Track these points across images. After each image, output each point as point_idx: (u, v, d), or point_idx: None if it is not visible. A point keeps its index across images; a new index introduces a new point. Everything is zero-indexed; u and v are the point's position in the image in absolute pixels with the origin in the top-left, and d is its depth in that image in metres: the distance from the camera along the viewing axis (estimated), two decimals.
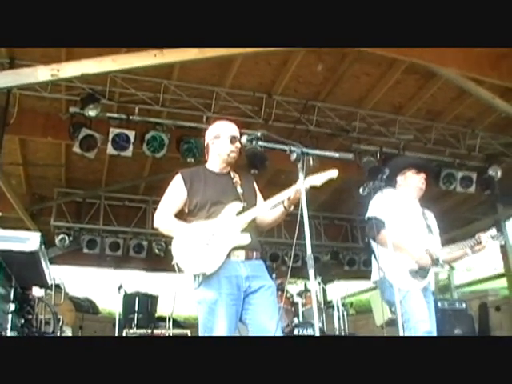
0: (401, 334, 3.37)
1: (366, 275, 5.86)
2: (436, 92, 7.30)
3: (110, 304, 12.49)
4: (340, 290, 8.89)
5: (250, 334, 3.10)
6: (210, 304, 3.04)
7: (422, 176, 4.27)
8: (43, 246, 3.45)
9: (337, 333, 7.56)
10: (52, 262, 4.15)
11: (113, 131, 6.80)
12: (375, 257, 4.05)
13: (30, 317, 4.03)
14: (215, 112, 6.96)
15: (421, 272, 3.93)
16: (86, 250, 9.88)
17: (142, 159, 8.08)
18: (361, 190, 4.03)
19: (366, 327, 9.98)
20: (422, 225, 4.18)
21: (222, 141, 3.40)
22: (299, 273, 8.59)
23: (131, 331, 8.01)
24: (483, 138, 8.16)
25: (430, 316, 3.84)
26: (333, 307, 7.87)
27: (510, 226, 10.27)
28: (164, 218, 3.29)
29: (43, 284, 4.23)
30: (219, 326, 2.99)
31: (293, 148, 3.01)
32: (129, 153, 6.92)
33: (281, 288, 6.60)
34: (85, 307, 10.96)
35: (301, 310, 7.05)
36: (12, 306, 3.51)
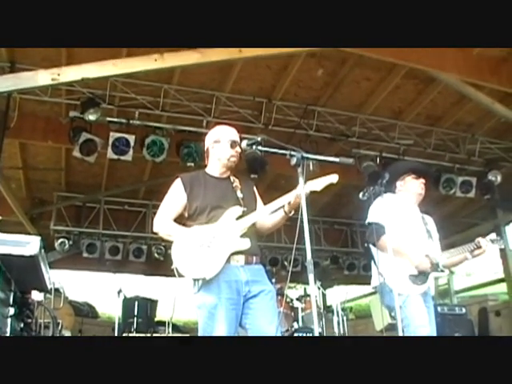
0: None
1: (366, 280, 5.87)
2: (436, 97, 7.31)
3: (110, 308, 12.48)
4: (340, 294, 8.89)
5: None
6: (210, 308, 3.04)
7: (422, 181, 4.27)
8: (43, 250, 3.44)
9: None
10: (51, 266, 4.14)
11: (113, 135, 6.80)
12: (375, 262, 4.04)
13: (29, 321, 4.02)
14: (215, 116, 6.97)
15: (421, 277, 3.93)
16: (85, 254, 9.86)
17: (141, 163, 8.09)
18: (361, 194, 4.03)
19: (365, 332, 9.96)
20: (422, 230, 4.17)
21: (222, 145, 3.40)
22: (299, 277, 8.58)
23: (130, 335, 7.99)
24: (483, 143, 8.17)
25: (429, 321, 3.83)
26: (332, 312, 7.85)
27: (510, 230, 10.27)
28: (164, 223, 3.29)
29: (43, 288, 4.23)
30: (219, 331, 2.98)
31: (293, 153, 3.02)
32: (129, 157, 6.92)
33: (280, 293, 6.59)
34: (84, 311, 10.96)
35: (300, 314, 7.04)
36: (11, 310, 3.51)
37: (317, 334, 2.86)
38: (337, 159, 3.20)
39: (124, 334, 7.93)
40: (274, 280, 6.82)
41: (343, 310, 7.95)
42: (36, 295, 4.40)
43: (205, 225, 3.20)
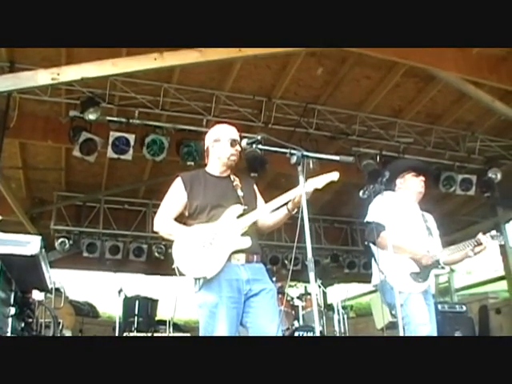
0: None
1: (366, 278, 5.87)
2: (435, 95, 7.31)
3: (110, 307, 12.49)
4: (340, 292, 8.90)
5: None
6: (211, 307, 3.04)
7: (421, 179, 4.27)
8: (43, 250, 3.44)
9: (337, 335, 7.55)
10: (52, 265, 4.14)
11: (113, 135, 6.81)
12: (375, 260, 4.04)
13: (30, 320, 4.03)
14: (215, 115, 6.97)
15: (422, 274, 3.93)
16: (85, 254, 9.85)
17: (141, 163, 8.09)
18: (361, 193, 4.03)
19: (366, 330, 9.97)
20: (422, 227, 4.18)
21: (222, 144, 3.40)
22: (299, 276, 8.61)
23: (131, 335, 8.00)
24: (483, 141, 8.17)
25: (430, 319, 3.83)
26: (333, 310, 7.86)
27: (510, 228, 10.28)
28: (164, 222, 3.29)
29: (43, 288, 4.23)
30: (220, 330, 2.98)
31: (293, 151, 3.01)
32: (129, 156, 6.92)
33: (281, 291, 6.60)
34: (85, 311, 10.96)
35: (301, 313, 7.04)
36: (12, 310, 3.51)
37: (318, 333, 2.86)
38: (337, 157, 3.20)
39: (125, 334, 7.93)
40: (274, 279, 6.82)
41: (344, 308, 7.96)
42: (37, 295, 4.40)
43: (205, 224, 3.20)
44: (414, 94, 7.36)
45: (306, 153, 3.01)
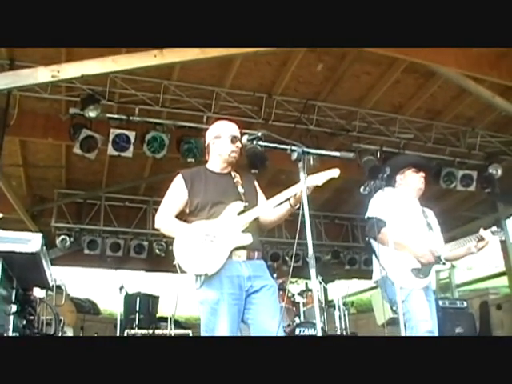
0: (402, 333, 3.37)
1: (367, 274, 5.88)
2: (436, 91, 7.30)
3: (111, 305, 12.51)
4: (341, 289, 8.90)
5: (252, 334, 3.11)
6: (212, 304, 3.04)
7: (422, 175, 4.27)
8: (44, 247, 3.44)
9: (338, 332, 7.57)
10: (53, 262, 4.14)
11: (113, 132, 6.80)
12: (376, 256, 4.05)
13: (31, 318, 4.02)
14: (215, 112, 6.96)
15: (423, 270, 3.93)
16: (86, 251, 9.86)
17: (142, 160, 8.08)
18: (361, 189, 4.03)
19: (366, 326, 9.98)
20: (423, 223, 4.18)
21: (222, 141, 3.40)
22: (300, 272, 8.59)
23: (132, 332, 8.02)
24: (483, 137, 8.17)
25: (431, 315, 3.84)
26: (334, 306, 7.88)
27: (511, 224, 10.28)
28: (165, 219, 3.29)
29: (44, 285, 4.23)
30: (221, 326, 2.99)
31: (293, 148, 3.01)
32: (129, 153, 6.92)
33: (282, 288, 6.61)
34: (86, 308, 10.98)
35: (302, 309, 7.05)
36: (14, 308, 3.51)
37: (319, 329, 2.86)
38: (338, 154, 3.20)
39: (126, 331, 7.95)
40: (275, 275, 6.84)
41: (345, 304, 7.98)
42: (38, 292, 4.40)
43: (206, 220, 3.20)
44: (414, 90, 7.35)
45: (306, 149, 3.01)
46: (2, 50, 5.86)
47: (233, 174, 3.44)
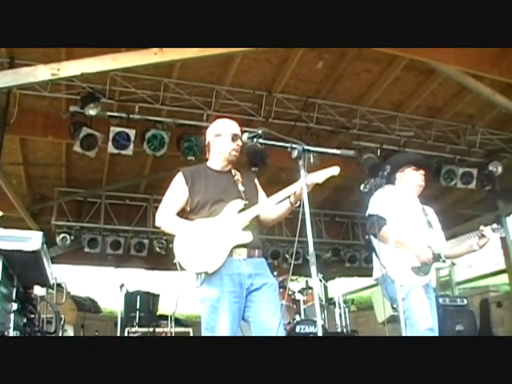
0: (402, 331, 3.37)
1: (367, 272, 5.87)
2: (436, 88, 7.29)
3: (112, 303, 12.52)
4: (341, 286, 8.90)
5: (253, 332, 3.11)
6: (213, 302, 3.05)
7: (422, 173, 4.27)
8: (45, 246, 3.44)
9: (338, 329, 7.58)
10: (53, 261, 4.14)
11: (113, 130, 6.80)
12: (376, 254, 4.05)
13: (32, 316, 4.02)
14: (215, 110, 6.96)
15: (423, 268, 3.93)
16: (87, 249, 9.87)
17: (142, 158, 8.08)
18: (362, 186, 4.03)
19: (367, 324, 9.99)
20: (423, 221, 4.18)
21: (223, 139, 3.40)
22: (300, 270, 8.62)
23: (133, 330, 8.03)
24: (483, 134, 8.16)
25: (431, 313, 3.84)
26: (334, 304, 7.88)
27: (511, 221, 10.28)
28: (166, 217, 3.29)
29: (45, 283, 4.23)
30: (222, 324, 2.99)
31: (294, 145, 3.01)
32: (129, 151, 6.92)
33: (282, 285, 6.61)
34: (86, 306, 10.98)
35: (302, 307, 7.06)
36: (14, 306, 3.51)
37: (319, 327, 2.87)
38: (338, 151, 3.20)
39: (126, 329, 7.96)
40: (275, 273, 6.85)
41: (345, 302, 7.99)
42: (38, 290, 4.40)
43: (206, 218, 3.20)
44: (414, 88, 7.34)
45: (306, 147, 3.01)
46: (2, 48, 5.85)
47: (233, 171, 3.44)
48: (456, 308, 7.62)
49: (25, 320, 3.79)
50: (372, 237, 4.10)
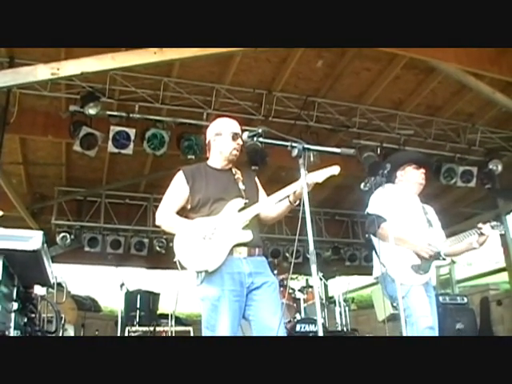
0: (403, 329, 3.37)
1: (367, 271, 5.88)
2: (436, 87, 7.29)
3: (112, 302, 12.51)
4: (341, 285, 8.90)
5: (253, 331, 3.11)
6: (213, 301, 3.05)
7: (422, 171, 4.27)
8: (45, 245, 3.44)
9: (338, 328, 7.58)
10: (53, 260, 4.13)
11: (113, 129, 6.80)
12: (376, 252, 4.05)
13: (32, 315, 4.02)
14: (215, 109, 6.96)
15: (423, 266, 3.93)
16: (87, 248, 9.87)
17: (142, 157, 8.08)
18: (362, 185, 4.04)
19: (367, 322, 10.00)
20: (422, 219, 4.18)
21: (223, 138, 3.40)
22: (301, 269, 8.61)
23: (133, 329, 8.04)
24: (483, 133, 8.16)
25: (431, 311, 3.84)
26: (334, 303, 7.88)
27: (511, 220, 10.28)
28: (166, 215, 3.29)
29: (45, 282, 4.22)
30: (222, 323, 2.99)
31: (294, 144, 3.01)
32: (129, 150, 6.92)
33: (283, 284, 6.62)
34: (87, 305, 10.97)
35: (303, 305, 7.06)
36: (15, 305, 3.51)
37: (320, 326, 2.87)
38: (338, 150, 3.20)
39: (127, 328, 7.96)
40: (275, 272, 6.85)
41: (345, 300, 7.98)
42: (39, 290, 4.40)
43: (207, 217, 3.21)
44: (414, 86, 7.34)
45: (306, 146, 3.01)
46: (2, 48, 5.84)
47: (233, 170, 3.44)
48: (456, 306, 7.62)
49: (25, 319, 3.79)
50: (372, 235, 4.10)
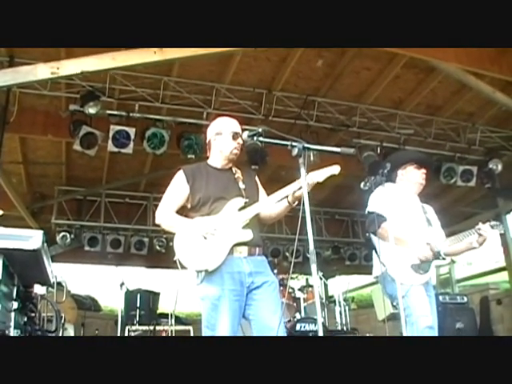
0: (402, 329, 3.37)
1: (367, 270, 5.88)
2: (436, 86, 7.29)
3: (112, 301, 12.51)
4: (341, 284, 8.90)
5: (253, 330, 3.12)
6: (213, 300, 3.05)
7: (423, 171, 4.27)
8: (45, 244, 3.44)
9: (338, 327, 7.58)
10: (53, 259, 4.13)
11: (113, 128, 6.80)
12: (376, 251, 4.05)
13: (32, 315, 4.02)
14: (215, 108, 6.95)
15: (423, 266, 3.93)
16: (87, 248, 9.87)
17: (142, 156, 8.08)
18: (362, 184, 4.04)
19: (367, 322, 10.01)
20: (422, 218, 4.18)
21: (224, 137, 3.40)
22: (301, 268, 8.62)
23: (133, 328, 8.04)
24: (483, 132, 8.16)
25: (431, 310, 3.84)
26: (334, 302, 7.89)
27: (511, 219, 10.28)
28: (166, 214, 3.29)
29: (45, 282, 4.22)
30: (222, 322, 3.00)
31: (294, 143, 3.00)
32: (129, 150, 6.92)
33: (283, 283, 6.62)
34: (87, 305, 10.96)
35: (303, 305, 7.07)
36: (15, 304, 3.51)
37: (320, 325, 2.87)
38: (338, 149, 3.19)
39: (127, 327, 7.97)
40: (275, 271, 6.85)
41: (345, 300, 7.99)
42: (39, 289, 4.40)
43: (207, 216, 3.21)
44: (414, 86, 7.34)
45: (306, 145, 3.01)
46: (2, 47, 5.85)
47: (234, 169, 3.44)
48: (456, 306, 7.62)
49: (25, 319, 3.80)
50: (372, 235, 4.10)
